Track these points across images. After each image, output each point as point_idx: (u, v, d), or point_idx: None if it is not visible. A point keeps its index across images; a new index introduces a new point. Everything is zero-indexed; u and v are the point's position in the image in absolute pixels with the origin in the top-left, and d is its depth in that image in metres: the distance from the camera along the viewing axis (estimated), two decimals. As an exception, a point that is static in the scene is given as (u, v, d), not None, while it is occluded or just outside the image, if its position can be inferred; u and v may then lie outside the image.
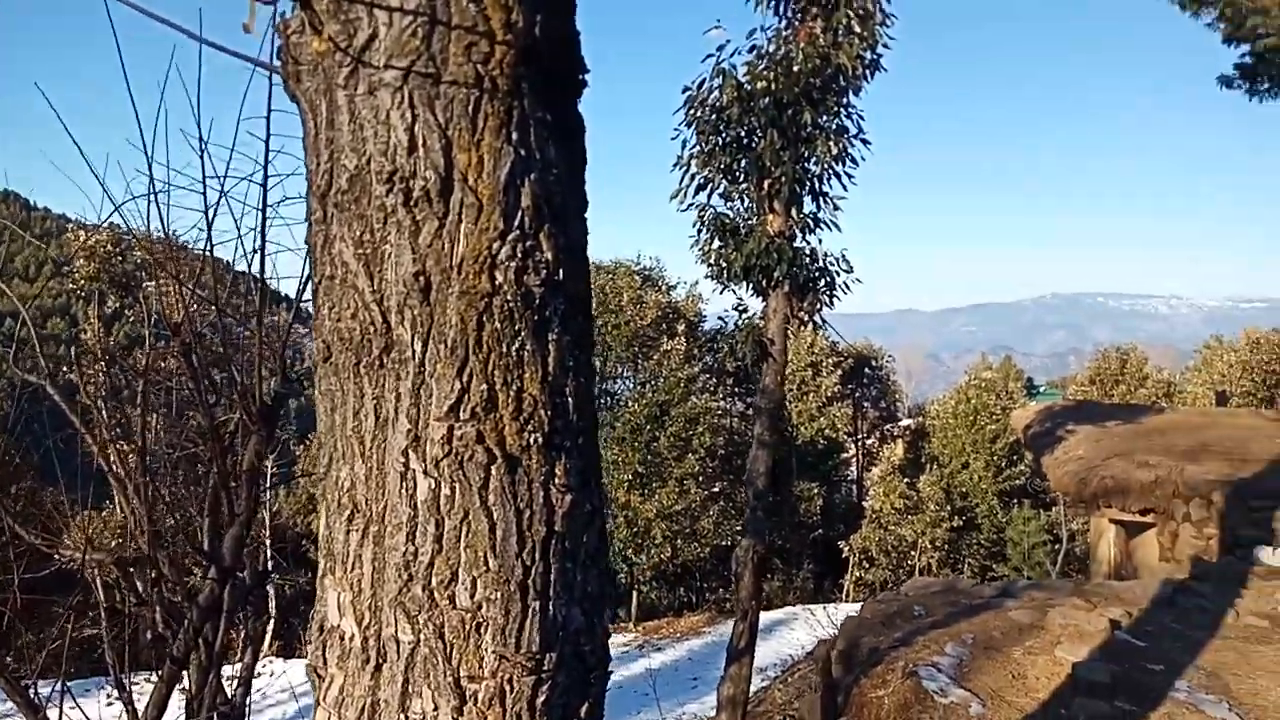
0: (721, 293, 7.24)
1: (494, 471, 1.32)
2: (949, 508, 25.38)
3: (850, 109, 6.88)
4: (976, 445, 27.66)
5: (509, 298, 1.31)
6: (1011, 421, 15.31)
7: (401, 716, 1.34)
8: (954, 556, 25.97)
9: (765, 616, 21.88)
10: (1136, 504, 8.18)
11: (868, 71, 6.73)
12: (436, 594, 1.32)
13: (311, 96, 1.35)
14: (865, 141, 7.01)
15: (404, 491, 1.33)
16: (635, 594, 24.66)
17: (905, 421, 36.33)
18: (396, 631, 1.34)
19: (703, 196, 7.05)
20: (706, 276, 7.20)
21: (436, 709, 1.33)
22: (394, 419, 1.34)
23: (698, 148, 6.88)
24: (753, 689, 10.86)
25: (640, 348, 24.96)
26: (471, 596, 1.32)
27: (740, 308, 7.20)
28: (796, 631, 19.43)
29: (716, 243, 7.02)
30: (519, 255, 1.32)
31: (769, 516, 6.70)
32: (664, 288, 26.56)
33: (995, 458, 27.26)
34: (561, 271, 1.38)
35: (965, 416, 28.05)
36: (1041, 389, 23.08)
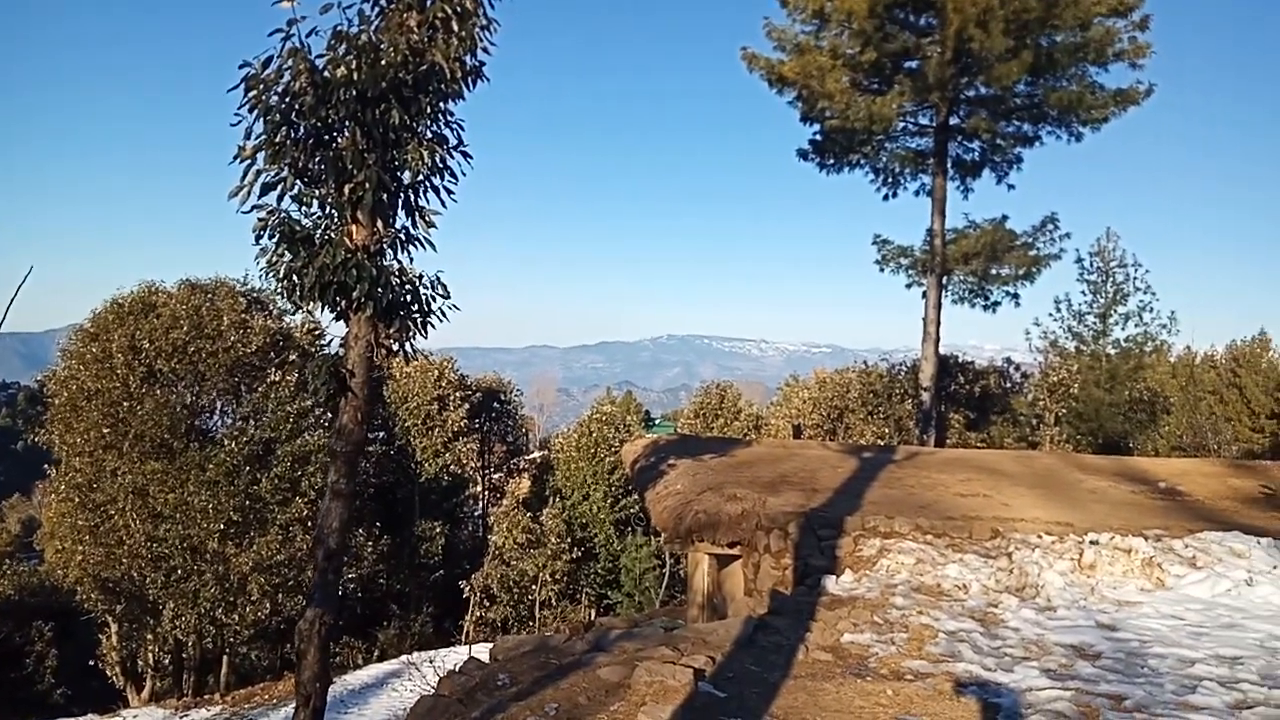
0: (294, 314, 6.13)
1: None
2: (570, 539, 25.79)
3: (449, 116, 6.23)
4: (596, 477, 28.61)
5: None
6: (622, 456, 15.76)
7: None
8: (573, 588, 26.42)
9: (377, 669, 20.32)
10: (725, 537, 8.49)
11: (469, 78, 6.12)
12: None
13: None
14: (466, 155, 6.40)
15: None
16: (227, 659, 21.51)
17: (534, 455, 36.76)
18: None
19: (272, 198, 5.90)
20: (275, 293, 6.04)
21: None
22: None
23: (264, 138, 5.74)
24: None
25: (243, 378, 22.00)
26: None
27: (315, 331, 6.15)
28: (413, 681, 18.13)
29: (287, 255, 5.90)
30: None
31: (342, 578, 5.66)
32: (275, 312, 23.78)
33: (613, 488, 28.39)
34: None
35: (587, 449, 28.93)
36: (657, 421, 24.51)
